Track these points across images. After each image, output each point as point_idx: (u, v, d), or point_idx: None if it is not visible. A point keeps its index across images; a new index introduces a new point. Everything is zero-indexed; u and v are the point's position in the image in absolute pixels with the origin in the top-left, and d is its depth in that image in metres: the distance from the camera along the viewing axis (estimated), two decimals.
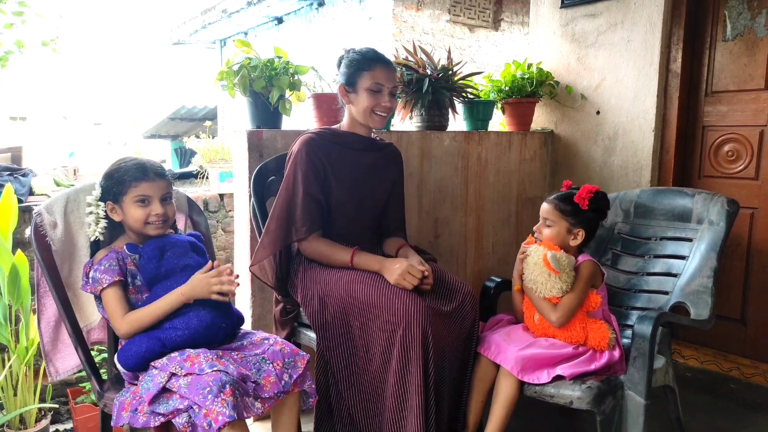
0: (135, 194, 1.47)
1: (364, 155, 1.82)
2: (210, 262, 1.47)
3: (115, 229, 1.55)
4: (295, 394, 1.52)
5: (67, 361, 1.67)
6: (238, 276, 1.46)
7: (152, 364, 1.37)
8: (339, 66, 1.81)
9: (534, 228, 1.80)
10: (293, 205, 1.72)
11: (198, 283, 1.41)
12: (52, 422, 2.29)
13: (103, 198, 1.50)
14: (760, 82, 2.48)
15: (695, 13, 2.63)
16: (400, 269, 1.61)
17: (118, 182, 1.48)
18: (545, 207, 1.78)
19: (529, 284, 1.72)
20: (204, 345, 1.41)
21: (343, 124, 1.84)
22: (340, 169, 1.76)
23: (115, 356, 1.43)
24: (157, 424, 1.30)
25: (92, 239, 1.53)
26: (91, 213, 1.51)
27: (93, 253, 1.53)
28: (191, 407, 1.27)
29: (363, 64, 1.73)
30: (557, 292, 1.65)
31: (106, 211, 1.50)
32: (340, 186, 1.76)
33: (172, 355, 1.37)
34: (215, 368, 1.30)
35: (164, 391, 1.32)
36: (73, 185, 2.49)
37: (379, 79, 1.72)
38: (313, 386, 1.54)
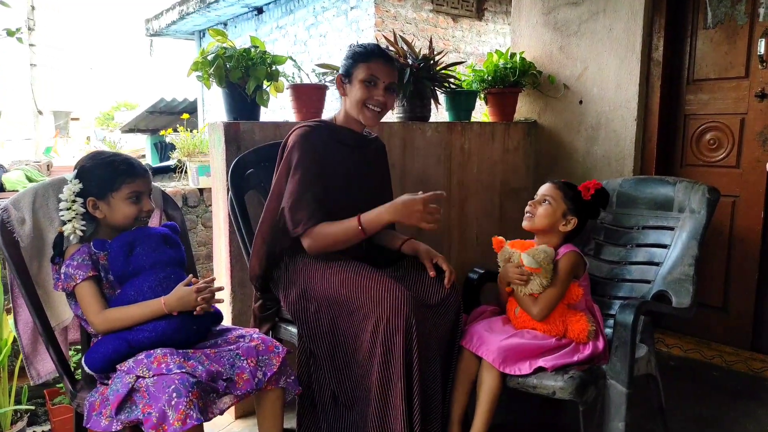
0: (129, 191, 1.45)
1: (356, 152, 1.79)
2: (191, 276, 1.44)
3: (86, 225, 1.49)
4: (278, 391, 1.49)
5: (47, 364, 1.61)
6: (221, 289, 1.46)
7: (118, 366, 1.34)
8: None
9: (529, 203, 1.79)
10: (293, 201, 1.65)
11: (184, 296, 1.39)
12: (29, 424, 2.24)
13: (83, 194, 1.44)
14: (741, 70, 2.48)
15: (676, 1, 2.62)
16: (409, 209, 1.57)
17: (109, 179, 1.44)
18: (547, 185, 1.79)
19: (511, 284, 1.73)
20: (173, 346, 1.37)
21: (338, 117, 1.80)
22: (334, 166, 1.73)
23: (83, 358, 1.39)
24: (118, 428, 1.27)
25: (72, 239, 1.45)
26: (69, 209, 1.43)
27: (56, 251, 1.45)
28: (151, 415, 1.22)
29: (361, 55, 1.70)
30: (536, 288, 1.66)
31: (84, 208, 1.44)
32: (334, 183, 1.72)
33: (139, 357, 1.33)
34: (183, 370, 1.28)
35: (131, 394, 1.28)
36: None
37: (375, 71, 1.68)
38: (291, 380, 1.52)
